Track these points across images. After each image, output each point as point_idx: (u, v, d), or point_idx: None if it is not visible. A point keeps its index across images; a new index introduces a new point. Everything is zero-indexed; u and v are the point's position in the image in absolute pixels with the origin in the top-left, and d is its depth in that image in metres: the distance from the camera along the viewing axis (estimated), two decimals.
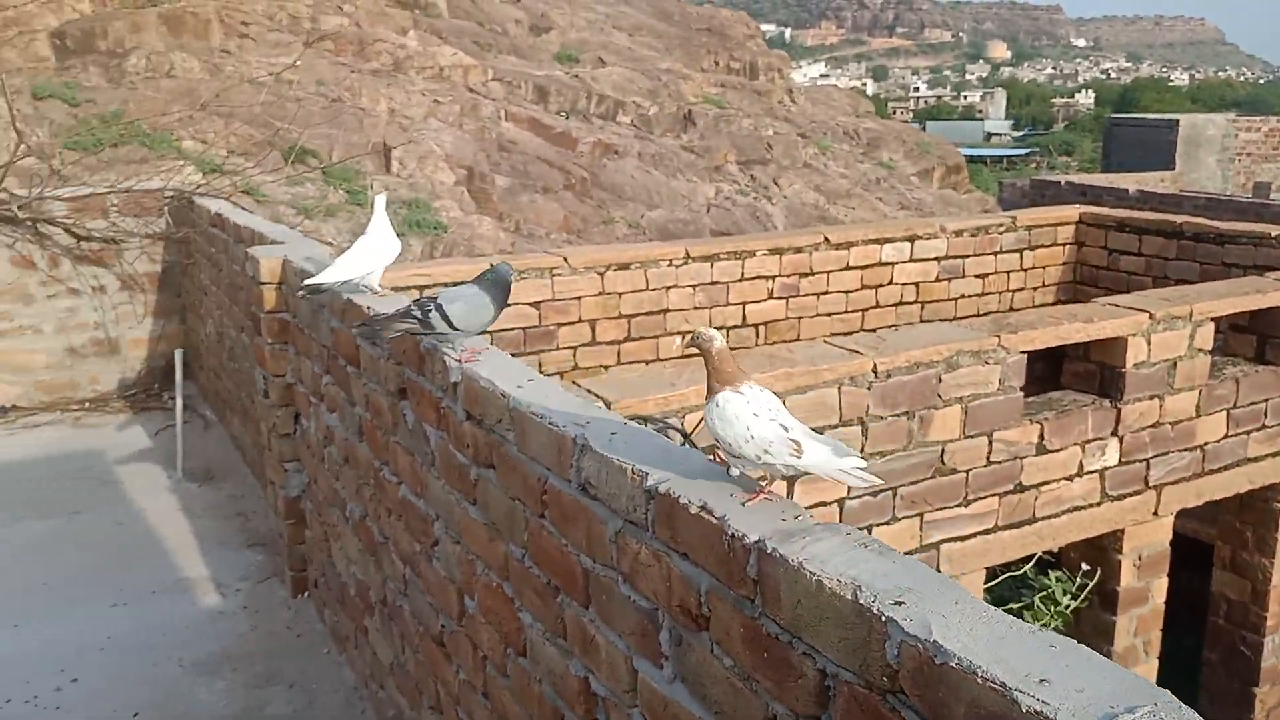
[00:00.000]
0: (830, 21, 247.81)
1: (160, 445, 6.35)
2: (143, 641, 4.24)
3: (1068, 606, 4.82)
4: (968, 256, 7.12)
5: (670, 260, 6.15)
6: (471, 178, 12.34)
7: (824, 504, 3.95)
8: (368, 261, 3.40)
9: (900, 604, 1.42)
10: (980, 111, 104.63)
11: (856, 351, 4.10)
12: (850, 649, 1.47)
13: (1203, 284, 5.61)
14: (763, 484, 1.88)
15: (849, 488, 3.97)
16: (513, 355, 3.30)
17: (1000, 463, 4.25)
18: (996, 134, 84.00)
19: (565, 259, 5.88)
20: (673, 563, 1.84)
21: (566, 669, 2.25)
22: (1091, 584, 4.80)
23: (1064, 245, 7.59)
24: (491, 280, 2.74)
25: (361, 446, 3.56)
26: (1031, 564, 4.90)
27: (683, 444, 3.89)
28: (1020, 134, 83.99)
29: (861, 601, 1.44)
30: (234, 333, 5.86)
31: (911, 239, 6.89)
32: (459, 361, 2.64)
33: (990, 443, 4.21)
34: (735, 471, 1.91)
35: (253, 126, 10.26)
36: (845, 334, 7.05)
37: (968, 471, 4.21)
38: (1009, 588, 5.07)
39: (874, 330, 7.29)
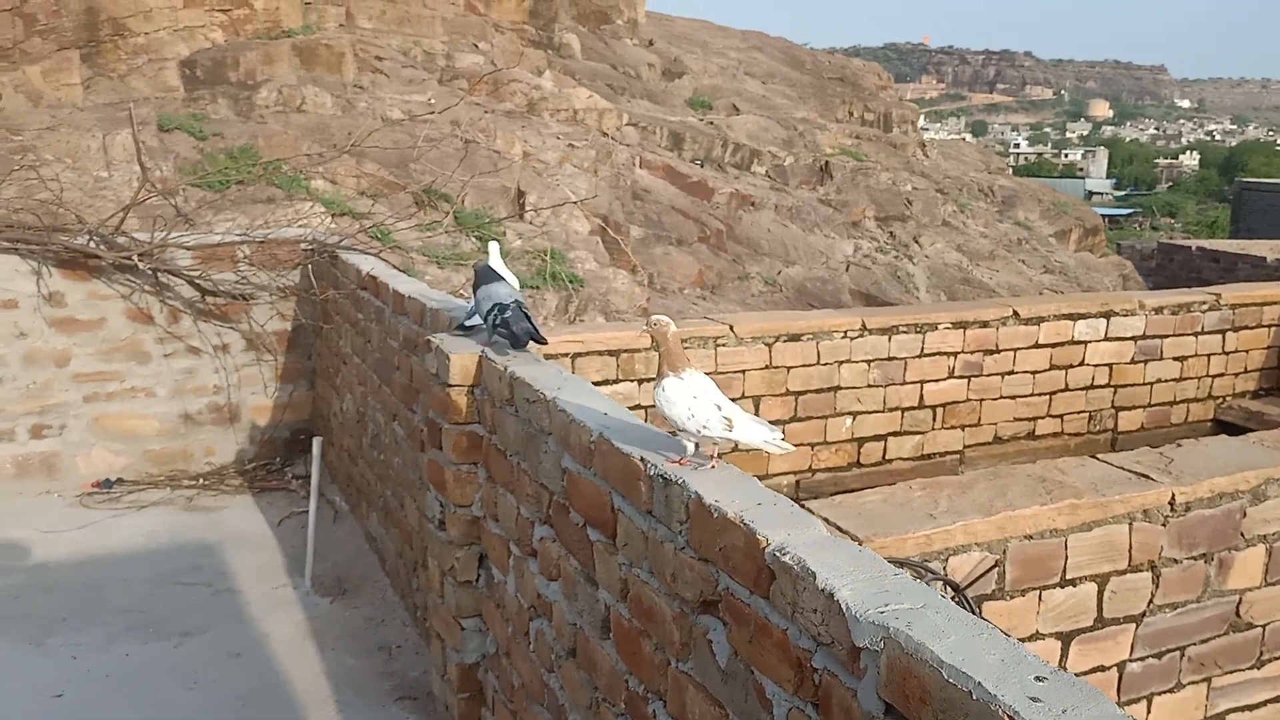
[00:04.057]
0: (931, 76, 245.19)
1: (284, 539, 5.40)
2: None
3: None
4: (1166, 336, 6.34)
5: (845, 332, 5.42)
6: (606, 227, 11.45)
7: (1103, 668, 3.26)
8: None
9: None
10: (1081, 170, 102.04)
11: (1146, 476, 3.36)
12: None
13: None
14: (708, 456, 2.26)
15: (1130, 652, 3.31)
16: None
17: None
18: (1098, 193, 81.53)
19: (731, 328, 5.14)
20: None
21: None
22: None
23: (1270, 327, 6.75)
24: (493, 273, 3.53)
25: (605, 649, 2.49)
26: None
27: (954, 598, 2.99)
28: (1122, 194, 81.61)
29: None
30: (381, 418, 4.89)
31: (1107, 315, 6.10)
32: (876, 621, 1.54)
33: None
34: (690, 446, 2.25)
35: (384, 166, 9.48)
36: (1030, 419, 6.19)
37: (1264, 626, 3.52)
38: None
39: (1059, 417, 6.38)
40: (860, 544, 2.78)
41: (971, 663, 1.42)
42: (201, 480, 6.07)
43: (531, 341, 3.31)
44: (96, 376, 6.01)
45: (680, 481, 2.13)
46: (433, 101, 10.65)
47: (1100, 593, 3.18)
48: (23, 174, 6.97)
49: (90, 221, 6.21)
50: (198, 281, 6.00)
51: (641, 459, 2.29)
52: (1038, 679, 1.40)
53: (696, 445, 2.29)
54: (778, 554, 1.80)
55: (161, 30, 10.02)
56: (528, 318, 3.34)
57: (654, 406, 5.03)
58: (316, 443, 4.91)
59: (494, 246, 3.86)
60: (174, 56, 10.18)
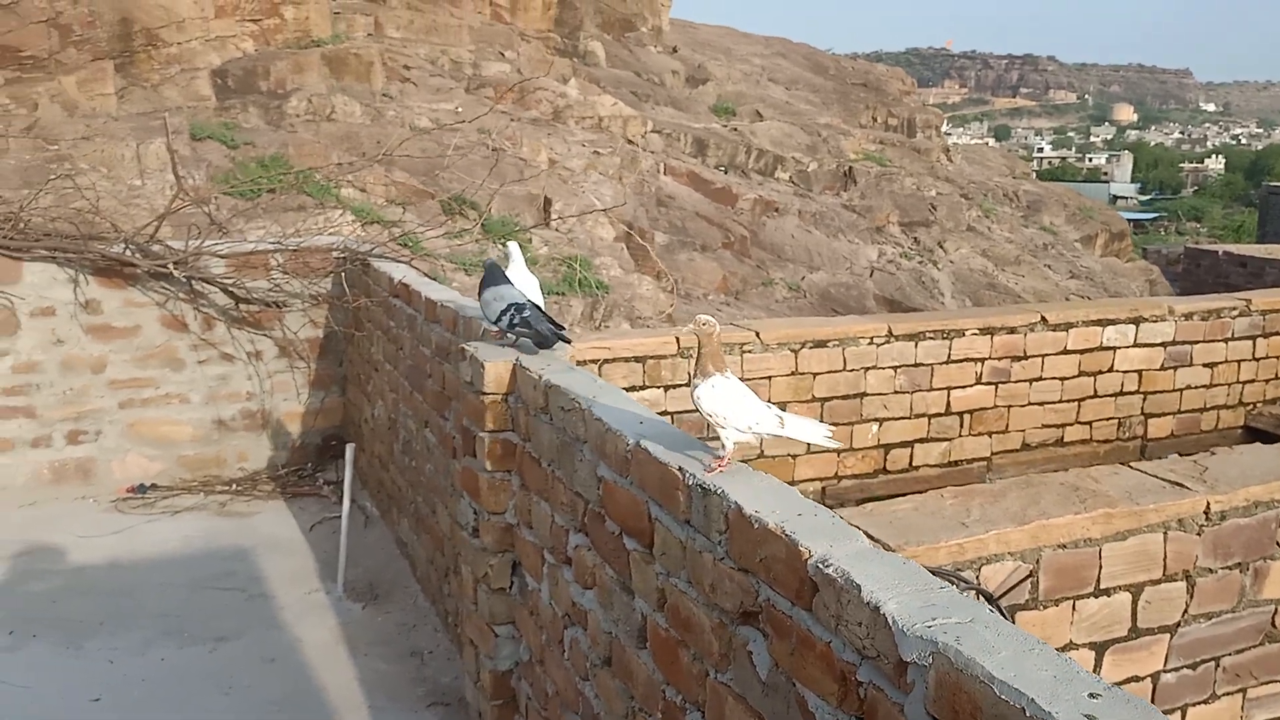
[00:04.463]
0: (953, 80, 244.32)
1: (316, 544, 5.45)
2: None
3: None
4: (1196, 342, 6.29)
5: (871, 338, 5.39)
6: (631, 234, 11.48)
7: (1137, 679, 3.22)
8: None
9: None
10: (1105, 174, 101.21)
11: (1180, 485, 3.34)
12: None
13: None
14: (722, 456, 2.30)
15: (1164, 662, 3.29)
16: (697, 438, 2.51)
17: None
18: (1122, 197, 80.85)
19: (757, 334, 5.13)
20: None
21: None
22: None
23: None
24: (502, 273, 3.54)
25: (641, 658, 2.50)
26: None
27: (990, 612, 2.98)
28: (1147, 198, 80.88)
29: None
30: (413, 425, 4.93)
31: (1137, 321, 6.06)
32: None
33: None
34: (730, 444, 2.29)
35: (413, 175, 9.55)
36: (1058, 426, 6.16)
37: None
38: None
39: (1088, 424, 6.35)
40: (891, 552, 2.82)
41: (1024, 679, 1.42)
42: (234, 486, 6.14)
43: (560, 342, 3.34)
44: (131, 383, 6.09)
45: (720, 491, 2.14)
46: (460, 110, 10.73)
47: (1134, 602, 3.17)
48: (59, 183, 7.07)
49: (125, 230, 6.30)
50: (231, 289, 6.08)
51: (680, 468, 2.30)
52: (1091, 695, 1.40)
53: (737, 444, 2.30)
54: (820, 566, 1.81)
55: (194, 40, 10.14)
56: (547, 318, 3.36)
57: (681, 413, 5.09)
58: (350, 449, 4.96)
59: (514, 247, 3.86)
60: (206, 66, 10.29)
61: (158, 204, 7.65)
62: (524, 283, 3.68)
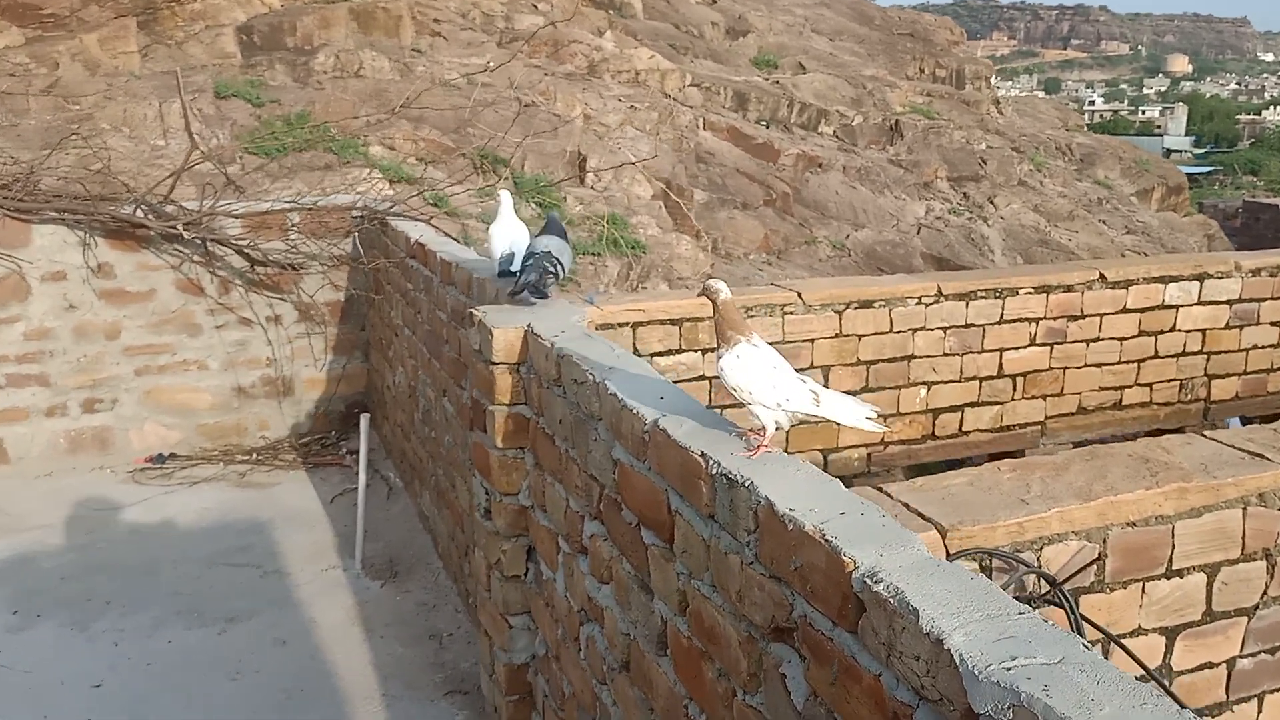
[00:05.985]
0: (1002, 32, 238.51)
1: (336, 517, 5.23)
2: None
3: None
4: (1264, 300, 5.95)
5: (919, 298, 5.11)
6: (669, 191, 11.10)
7: (1211, 665, 3.00)
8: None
9: None
10: (1159, 127, 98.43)
11: (1260, 456, 3.04)
12: None
13: None
14: (759, 436, 2.00)
15: (1240, 647, 3.02)
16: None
17: None
18: (1176, 150, 78.54)
19: (799, 294, 4.85)
20: None
21: None
22: None
23: None
24: (560, 231, 3.49)
25: (662, 666, 2.21)
26: None
27: (1048, 594, 2.67)
28: (1202, 151, 78.43)
29: None
30: (431, 393, 4.66)
31: (1201, 277, 5.74)
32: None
33: None
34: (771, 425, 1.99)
35: (443, 131, 9.23)
36: (1116, 388, 5.83)
37: None
38: None
39: (1148, 386, 6.03)
40: (944, 533, 2.53)
41: None
42: (255, 455, 5.93)
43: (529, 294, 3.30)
44: (147, 349, 5.89)
45: (748, 484, 1.83)
46: (491, 64, 10.37)
47: (1209, 584, 2.92)
48: (79, 143, 6.85)
49: (138, 189, 6.07)
50: (246, 251, 5.83)
51: (702, 454, 1.99)
52: None
53: (777, 425, 2.02)
54: (868, 581, 1.50)
55: None
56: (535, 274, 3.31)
57: (720, 378, 4.79)
58: (364, 419, 4.71)
59: (505, 195, 3.79)
60: (231, 23, 10.01)
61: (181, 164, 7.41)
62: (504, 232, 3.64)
